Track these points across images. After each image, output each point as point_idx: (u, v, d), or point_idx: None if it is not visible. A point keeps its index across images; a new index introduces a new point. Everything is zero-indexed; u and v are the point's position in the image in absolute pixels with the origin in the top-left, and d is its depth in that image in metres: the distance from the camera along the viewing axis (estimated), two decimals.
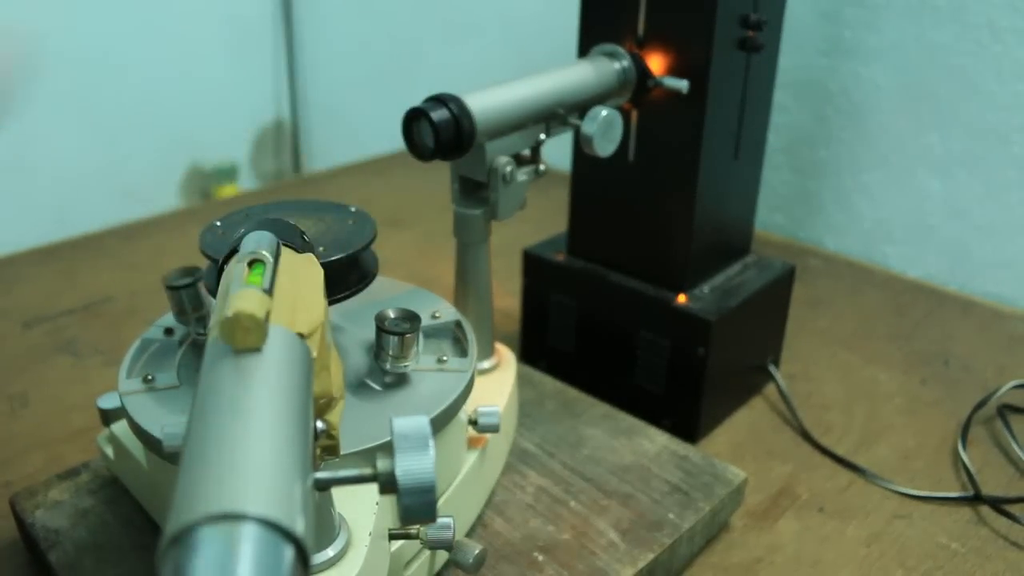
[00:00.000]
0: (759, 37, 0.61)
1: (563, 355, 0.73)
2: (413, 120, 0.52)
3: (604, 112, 0.57)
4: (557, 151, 0.72)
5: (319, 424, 0.31)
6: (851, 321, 0.85)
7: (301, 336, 0.29)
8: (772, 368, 0.72)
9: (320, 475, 0.29)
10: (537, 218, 0.79)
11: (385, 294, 0.56)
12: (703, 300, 0.65)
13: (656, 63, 0.61)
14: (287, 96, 1.76)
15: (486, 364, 0.60)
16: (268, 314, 0.28)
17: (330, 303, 0.38)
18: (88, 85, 1.48)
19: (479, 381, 0.55)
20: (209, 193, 1.71)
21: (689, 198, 0.63)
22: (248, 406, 0.25)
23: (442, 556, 0.48)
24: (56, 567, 0.47)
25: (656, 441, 0.60)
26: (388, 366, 0.49)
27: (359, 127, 1.65)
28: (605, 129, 0.57)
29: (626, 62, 0.61)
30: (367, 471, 0.29)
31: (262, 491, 0.22)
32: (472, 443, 0.52)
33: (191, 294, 0.50)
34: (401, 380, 0.49)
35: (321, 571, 0.38)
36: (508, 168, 0.55)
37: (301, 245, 0.35)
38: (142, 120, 1.56)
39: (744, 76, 0.63)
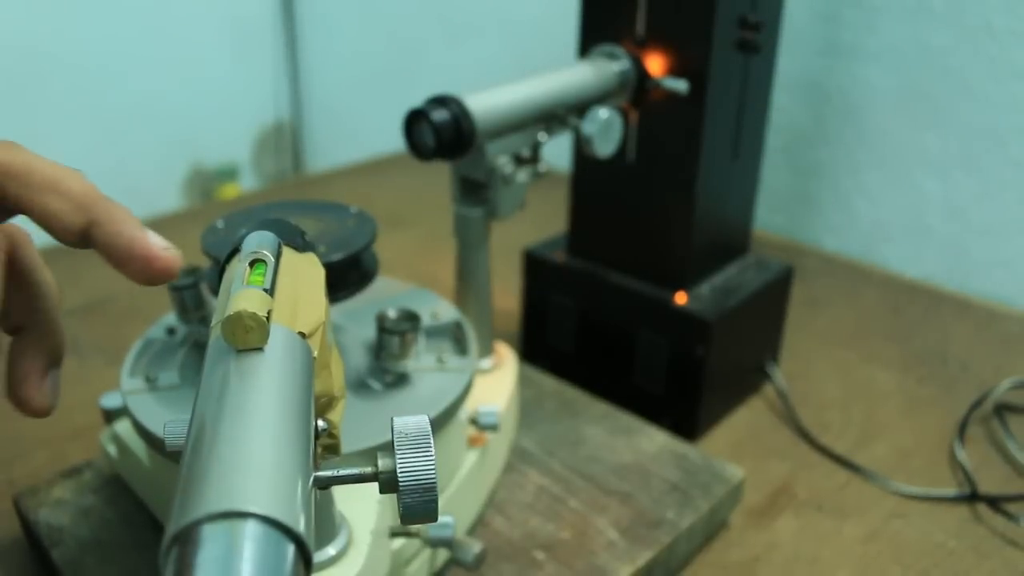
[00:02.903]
0: (758, 38, 0.61)
1: (563, 355, 0.73)
2: (414, 121, 0.52)
3: (604, 113, 0.57)
4: (557, 151, 0.73)
5: (320, 423, 0.31)
6: (849, 321, 0.85)
7: (302, 335, 0.30)
8: (771, 367, 0.73)
9: (321, 474, 0.29)
10: (537, 218, 0.79)
11: (385, 294, 0.57)
12: (702, 300, 0.65)
13: (655, 64, 0.61)
14: (288, 97, 1.76)
15: (486, 364, 0.60)
16: (270, 313, 0.28)
17: (331, 303, 0.38)
18: (90, 86, 1.49)
19: (479, 381, 0.55)
20: (211, 193, 1.71)
21: (688, 198, 0.63)
22: (250, 405, 0.25)
23: (443, 554, 0.48)
24: (59, 565, 0.48)
25: (655, 440, 0.60)
26: (388, 366, 0.49)
27: (360, 128, 1.65)
28: (605, 130, 0.57)
29: (626, 63, 0.61)
30: (368, 470, 0.29)
31: (264, 489, 0.22)
32: (472, 442, 0.52)
33: (193, 294, 0.50)
34: (401, 380, 0.49)
35: (322, 569, 0.39)
36: (508, 168, 0.55)
37: (302, 245, 0.35)
38: (144, 121, 1.56)
39: (743, 77, 0.63)
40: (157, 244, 0.28)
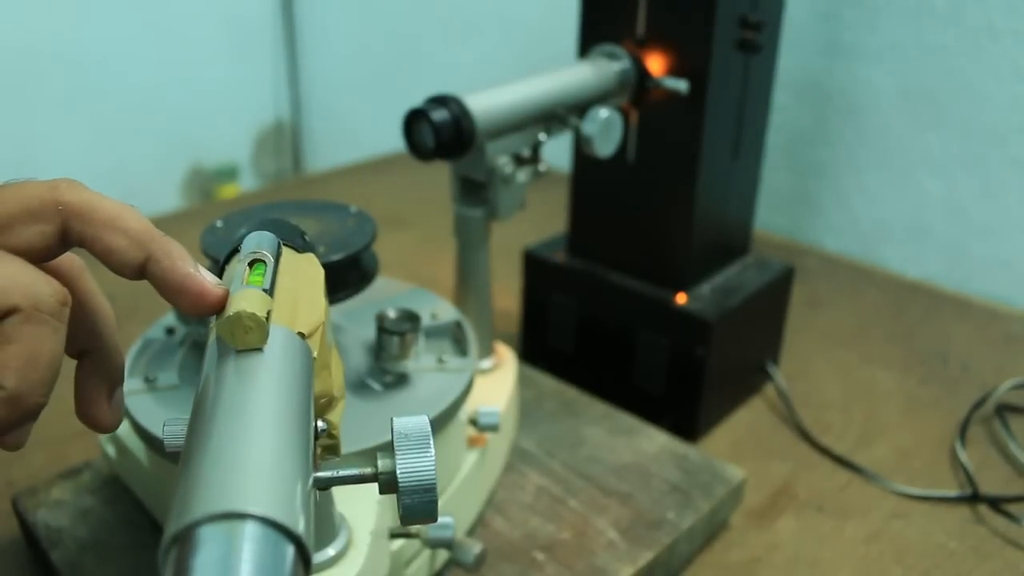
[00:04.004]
0: (758, 38, 0.61)
1: (563, 355, 0.73)
2: (413, 121, 0.52)
3: (604, 112, 0.57)
4: (557, 151, 0.73)
5: (320, 423, 0.31)
6: (850, 321, 0.85)
7: (302, 336, 0.30)
8: (771, 368, 0.72)
9: (321, 474, 0.29)
10: (537, 218, 0.79)
11: (385, 294, 0.56)
12: (703, 300, 0.65)
13: (656, 63, 0.61)
14: (288, 96, 1.76)
15: (486, 364, 0.60)
16: (269, 314, 0.28)
17: (331, 303, 0.38)
18: (90, 86, 1.49)
19: (479, 381, 0.55)
20: (210, 193, 1.71)
21: (688, 198, 0.63)
22: (249, 405, 0.25)
23: (442, 555, 0.48)
24: (58, 566, 0.48)
25: (655, 440, 0.60)
26: (388, 366, 0.49)
27: (359, 127, 1.65)
28: (605, 129, 0.57)
29: (626, 63, 0.61)
30: (368, 470, 0.29)
31: (263, 490, 0.22)
32: (472, 443, 0.52)
33: None
34: (401, 380, 0.49)
35: (322, 570, 0.39)
36: (508, 168, 0.55)
37: (302, 245, 0.35)
38: (143, 121, 1.56)
39: (743, 77, 0.63)
40: (209, 280, 0.29)
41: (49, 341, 0.27)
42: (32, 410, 0.27)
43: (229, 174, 1.72)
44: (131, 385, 0.47)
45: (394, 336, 0.48)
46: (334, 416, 0.32)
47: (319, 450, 0.32)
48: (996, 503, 0.59)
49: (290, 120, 1.79)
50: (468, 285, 0.59)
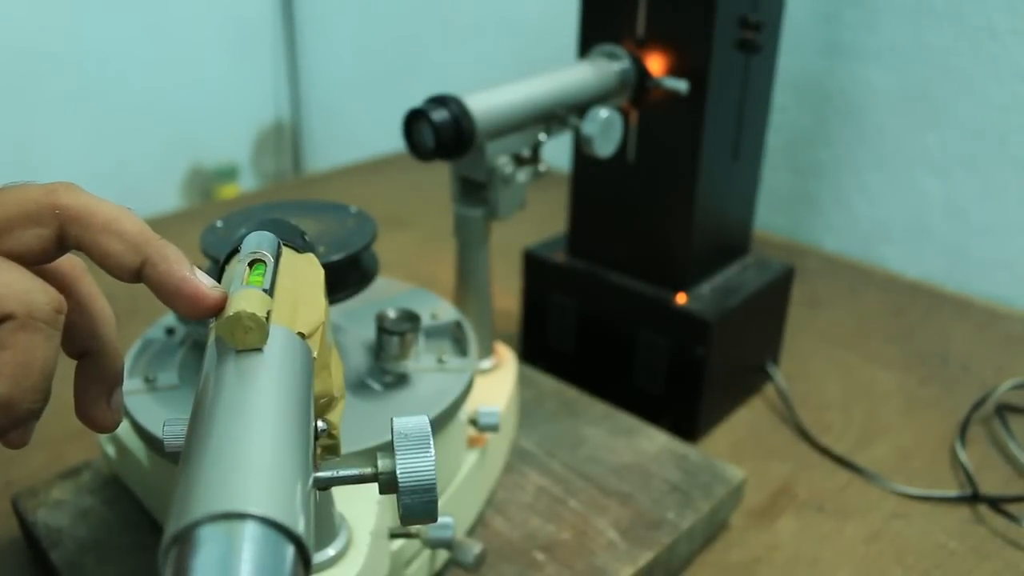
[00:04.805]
0: (758, 38, 0.61)
1: (563, 355, 0.73)
2: (413, 121, 0.52)
3: (604, 113, 0.57)
4: (557, 151, 0.73)
5: (320, 423, 0.31)
6: (850, 321, 0.85)
7: (302, 336, 0.30)
8: (771, 368, 0.72)
9: (321, 474, 0.29)
10: (537, 218, 0.79)
11: (385, 294, 0.56)
12: (703, 300, 0.65)
13: (656, 64, 0.61)
14: (288, 96, 1.76)
15: (486, 364, 0.60)
16: (269, 314, 0.28)
17: (331, 303, 0.38)
18: (90, 86, 1.49)
19: (479, 381, 0.55)
20: (210, 193, 1.71)
21: (688, 198, 0.63)
22: (249, 405, 0.25)
23: (442, 555, 0.48)
24: (58, 566, 0.48)
25: (655, 440, 0.60)
26: (388, 366, 0.49)
27: (359, 127, 1.65)
28: (605, 129, 0.57)
29: (626, 63, 0.61)
30: (368, 470, 0.29)
31: (263, 490, 0.22)
32: (472, 443, 0.52)
33: None
34: (401, 380, 0.49)
35: (322, 570, 0.39)
36: (508, 168, 0.55)
37: (302, 245, 0.35)
38: (143, 121, 1.56)
39: (743, 77, 0.63)
40: (205, 283, 0.29)
41: (42, 348, 0.27)
42: (25, 416, 0.27)
43: (229, 174, 1.72)
44: (131, 385, 0.47)
45: (394, 336, 0.48)
46: (334, 416, 0.32)
47: (319, 450, 0.32)
48: (996, 503, 0.59)
49: (290, 120, 1.79)
50: (468, 285, 0.59)
